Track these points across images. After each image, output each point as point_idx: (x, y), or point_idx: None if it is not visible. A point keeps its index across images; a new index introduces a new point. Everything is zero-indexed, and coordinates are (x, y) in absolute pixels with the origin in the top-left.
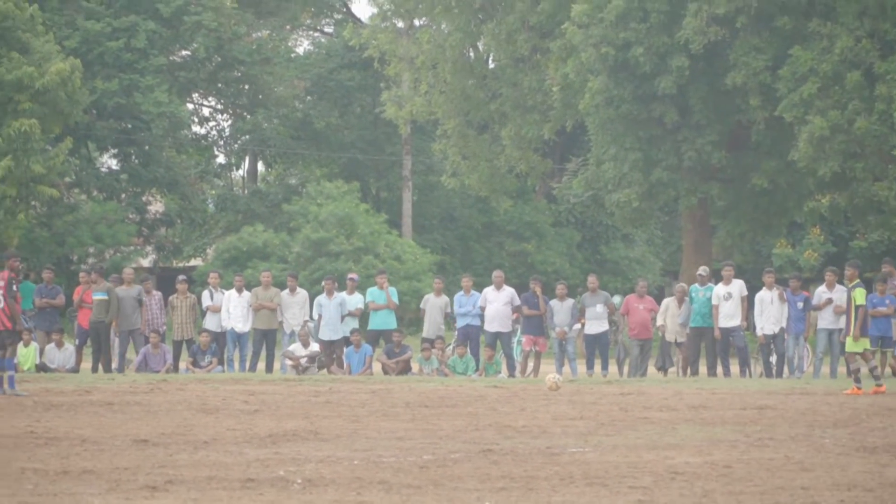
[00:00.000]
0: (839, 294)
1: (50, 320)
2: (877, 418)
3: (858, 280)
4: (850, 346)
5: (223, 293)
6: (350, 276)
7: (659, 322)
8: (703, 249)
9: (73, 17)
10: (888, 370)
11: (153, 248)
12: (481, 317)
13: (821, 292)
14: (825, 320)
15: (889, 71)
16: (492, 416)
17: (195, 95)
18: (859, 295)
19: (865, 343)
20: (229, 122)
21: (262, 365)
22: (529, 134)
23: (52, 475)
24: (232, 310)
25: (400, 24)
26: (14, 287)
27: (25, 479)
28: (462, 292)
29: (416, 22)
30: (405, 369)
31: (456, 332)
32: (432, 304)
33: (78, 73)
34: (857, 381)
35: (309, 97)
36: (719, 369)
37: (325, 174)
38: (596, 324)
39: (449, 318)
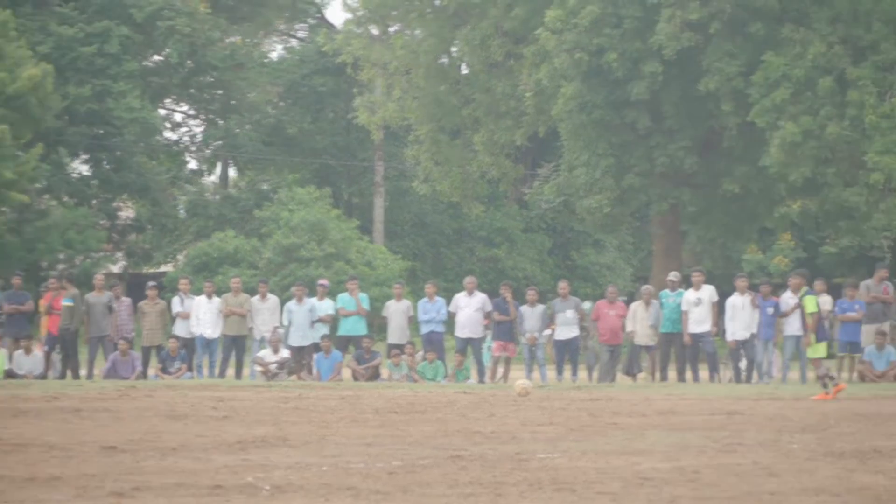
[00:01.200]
0: None
1: (18, 326)
2: (845, 423)
3: (807, 288)
4: (811, 352)
5: (193, 299)
6: (320, 282)
7: (628, 328)
8: (674, 255)
9: (45, 22)
10: (856, 375)
11: (123, 254)
12: (446, 323)
13: (787, 298)
14: (792, 326)
15: (861, 77)
16: (461, 422)
17: (168, 101)
18: (809, 302)
19: (823, 348)
20: (202, 127)
21: (231, 371)
22: (502, 139)
23: (20, 482)
24: (202, 316)
25: (374, 30)
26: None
27: None
28: (426, 299)
29: (390, 28)
30: (375, 375)
31: (421, 339)
32: (394, 309)
33: (50, 79)
34: (825, 385)
35: (282, 103)
36: (689, 374)
37: (297, 180)
38: (566, 329)
39: (412, 324)
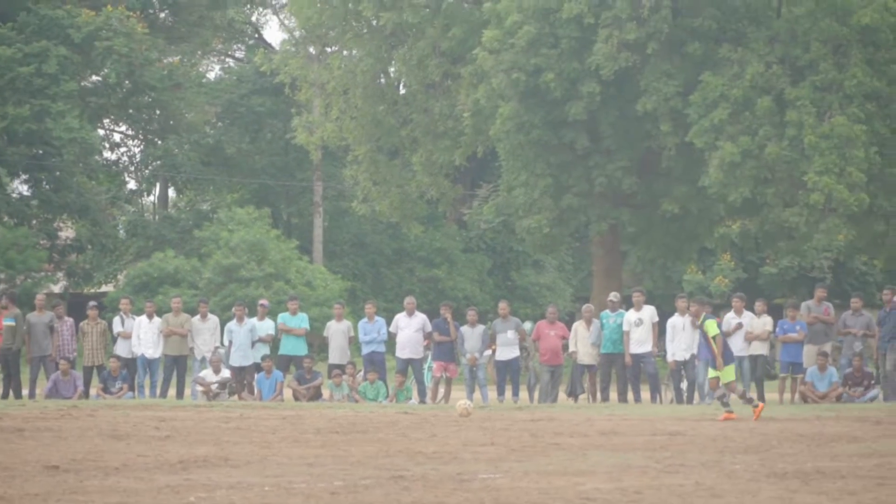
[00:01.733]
0: (748, 320)
1: None
2: (787, 444)
3: (706, 314)
4: (723, 376)
5: (134, 319)
6: (261, 302)
7: (571, 349)
8: (614, 275)
9: None
10: (797, 396)
11: (64, 273)
12: (386, 343)
13: (730, 318)
14: (734, 346)
15: (799, 97)
16: (402, 443)
17: (106, 121)
18: (710, 326)
19: (731, 370)
20: (140, 147)
21: (172, 391)
22: (440, 160)
23: None
24: (143, 336)
25: (311, 50)
26: None
27: None
28: (366, 319)
29: (328, 48)
30: (316, 395)
31: (363, 359)
32: (335, 329)
33: None
34: (751, 401)
35: (220, 123)
36: (630, 395)
37: (236, 200)
38: (507, 350)
39: (353, 344)
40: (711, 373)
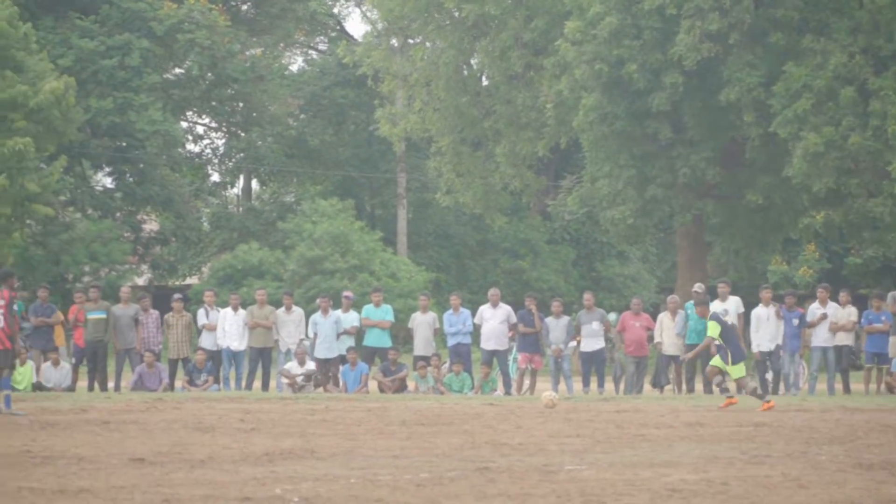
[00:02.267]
0: (833, 310)
1: (45, 339)
2: (873, 435)
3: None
4: (733, 372)
5: (219, 311)
6: (345, 293)
7: (656, 339)
8: (698, 266)
9: (66, 35)
10: (884, 387)
11: (149, 266)
12: (472, 335)
13: (814, 309)
14: (819, 337)
15: (883, 87)
16: (488, 434)
17: (189, 113)
18: (712, 328)
19: (741, 368)
20: (223, 140)
21: (258, 383)
22: (524, 151)
23: (49, 494)
24: (228, 328)
25: (394, 42)
26: (14, 306)
27: (22, 499)
28: (451, 311)
29: (410, 39)
30: (401, 387)
31: (448, 351)
32: (419, 321)
33: (72, 92)
34: (762, 397)
35: (303, 115)
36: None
37: (320, 192)
38: (592, 341)
39: (438, 336)
40: (716, 361)
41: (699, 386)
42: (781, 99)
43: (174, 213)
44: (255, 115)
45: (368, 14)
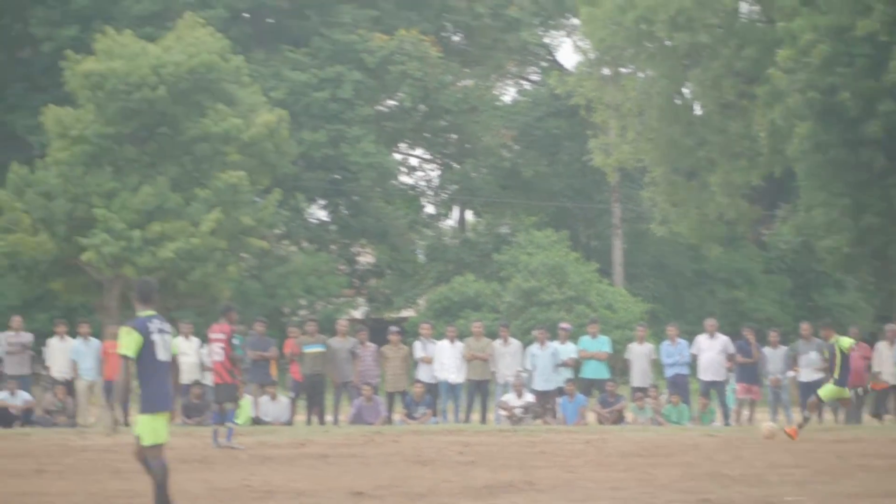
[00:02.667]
0: None
1: (263, 373)
2: None
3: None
4: (834, 393)
5: (435, 344)
6: (562, 325)
7: (874, 369)
8: None
9: (278, 68)
10: None
11: (364, 299)
12: (689, 365)
13: None
14: None
15: None
16: (707, 465)
17: (402, 145)
18: (843, 342)
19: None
20: (437, 171)
21: (476, 416)
22: (738, 180)
23: None
24: (445, 361)
25: (606, 72)
26: (234, 341)
27: None
28: (668, 341)
29: (622, 69)
30: (619, 419)
31: (666, 382)
32: (636, 352)
33: (285, 125)
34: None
35: (516, 146)
36: None
37: (535, 223)
38: (810, 371)
39: (655, 367)
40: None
41: None
42: None
43: (389, 245)
44: (468, 146)
45: (580, 44)
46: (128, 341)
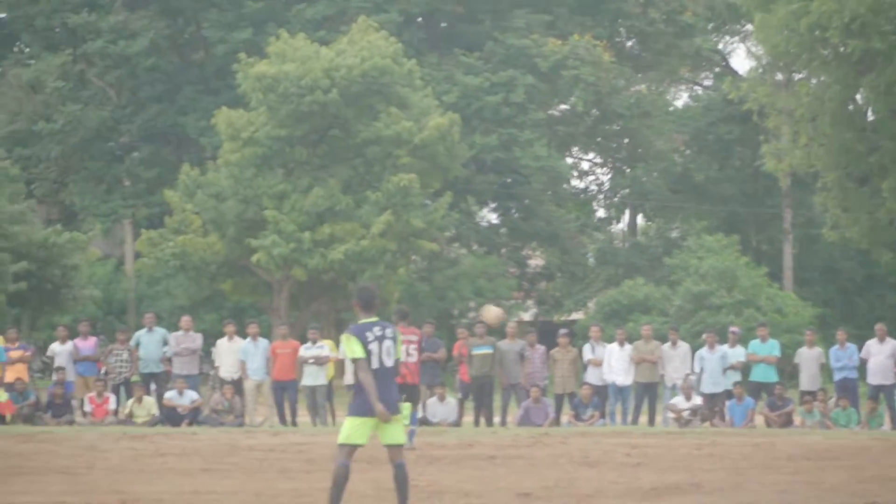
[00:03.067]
0: None
1: (432, 374)
2: None
3: None
4: None
5: (604, 346)
6: (732, 329)
7: None
8: None
9: (451, 72)
10: None
11: (534, 301)
12: (858, 369)
13: None
14: None
15: None
16: (876, 469)
17: (574, 149)
18: None
19: None
20: (608, 175)
21: (644, 418)
22: None
23: None
24: (614, 363)
25: (779, 77)
26: (423, 343)
27: None
28: (837, 345)
29: (795, 75)
30: (788, 422)
31: (834, 385)
32: (806, 356)
33: (456, 128)
34: None
35: (688, 151)
36: None
37: (705, 227)
38: None
39: (824, 371)
40: None
41: None
42: None
43: (560, 248)
44: (639, 150)
45: (753, 49)
46: (351, 347)
